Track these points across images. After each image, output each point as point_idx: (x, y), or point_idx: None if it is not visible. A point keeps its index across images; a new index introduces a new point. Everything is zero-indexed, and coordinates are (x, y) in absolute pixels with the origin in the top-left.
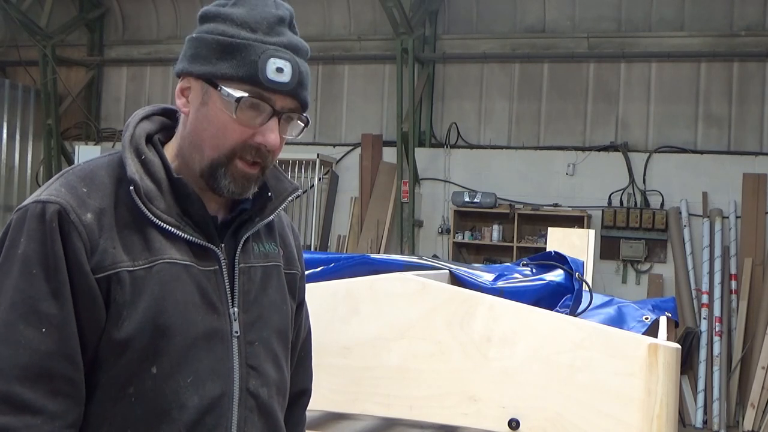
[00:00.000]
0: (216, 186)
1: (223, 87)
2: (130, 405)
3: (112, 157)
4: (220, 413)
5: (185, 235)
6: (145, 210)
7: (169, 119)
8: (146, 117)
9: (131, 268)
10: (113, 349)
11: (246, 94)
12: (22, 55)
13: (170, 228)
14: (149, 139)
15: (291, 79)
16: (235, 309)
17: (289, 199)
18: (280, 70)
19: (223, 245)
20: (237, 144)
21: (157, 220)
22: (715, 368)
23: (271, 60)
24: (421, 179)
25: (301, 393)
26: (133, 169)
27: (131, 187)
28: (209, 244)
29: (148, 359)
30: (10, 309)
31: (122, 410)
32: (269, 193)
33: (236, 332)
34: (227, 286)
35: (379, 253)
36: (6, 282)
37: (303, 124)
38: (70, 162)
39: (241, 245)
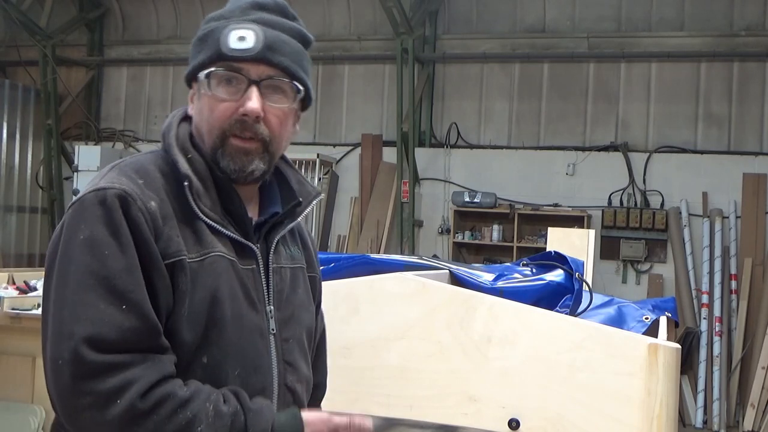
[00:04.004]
0: (222, 170)
1: (199, 74)
2: None
3: (154, 154)
4: None
5: (228, 232)
6: (195, 206)
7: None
8: (183, 119)
9: (189, 259)
10: (170, 337)
11: (213, 68)
12: (22, 55)
13: (215, 225)
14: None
15: (255, 44)
16: (271, 307)
17: (314, 203)
18: (242, 38)
19: (258, 245)
20: (224, 121)
21: (205, 217)
22: (715, 368)
23: (233, 32)
24: (421, 179)
25: (316, 387)
26: (186, 166)
27: (185, 183)
28: (249, 243)
29: (200, 349)
30: (85, 290)
31: None
32: (298, 198)
33: (273, 329)
34: (264, 285)
35: (379, 253)
36: (75, 266)
37: (294, 91)
38: (70, 162)
39: (273, 246)
